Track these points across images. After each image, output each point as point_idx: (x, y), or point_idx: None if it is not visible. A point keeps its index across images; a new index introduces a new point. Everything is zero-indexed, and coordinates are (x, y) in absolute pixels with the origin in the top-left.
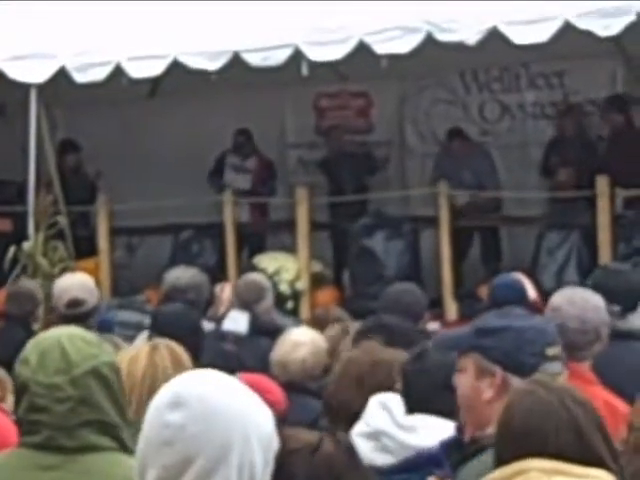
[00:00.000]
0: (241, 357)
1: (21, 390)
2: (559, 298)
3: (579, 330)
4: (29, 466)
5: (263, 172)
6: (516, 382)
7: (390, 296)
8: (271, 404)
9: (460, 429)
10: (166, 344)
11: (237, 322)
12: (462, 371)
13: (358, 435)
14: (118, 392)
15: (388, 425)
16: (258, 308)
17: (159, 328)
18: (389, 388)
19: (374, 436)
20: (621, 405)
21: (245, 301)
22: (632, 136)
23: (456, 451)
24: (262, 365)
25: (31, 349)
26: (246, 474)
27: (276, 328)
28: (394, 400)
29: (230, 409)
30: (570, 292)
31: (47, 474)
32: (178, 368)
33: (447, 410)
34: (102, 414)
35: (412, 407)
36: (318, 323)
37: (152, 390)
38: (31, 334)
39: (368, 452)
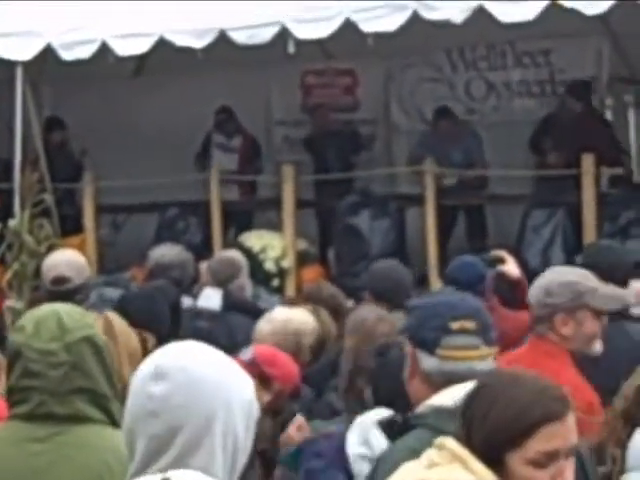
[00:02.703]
0: (213, 334)
1: (15, 357)
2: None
3: None
4: (19, 439)
5: (249, 151)
6: (425, 359)
7: (378, 273)
8: (279, 378)
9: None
10: (104, 316)
11: (210, 299)
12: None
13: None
14: (109, 365)
15: None
16: (232, 285)
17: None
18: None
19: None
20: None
21: (219, 279)
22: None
23: (391, 428)
24: (232, 342)
25: (27, 318)
26: (230, 441)
27: (249, 306)
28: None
29: (211, 378)
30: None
31: (36, 446)
32: (109, 338)
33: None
34: (94, 383)
35: (379, 402)
36: (311, 300)
37: None
38: None
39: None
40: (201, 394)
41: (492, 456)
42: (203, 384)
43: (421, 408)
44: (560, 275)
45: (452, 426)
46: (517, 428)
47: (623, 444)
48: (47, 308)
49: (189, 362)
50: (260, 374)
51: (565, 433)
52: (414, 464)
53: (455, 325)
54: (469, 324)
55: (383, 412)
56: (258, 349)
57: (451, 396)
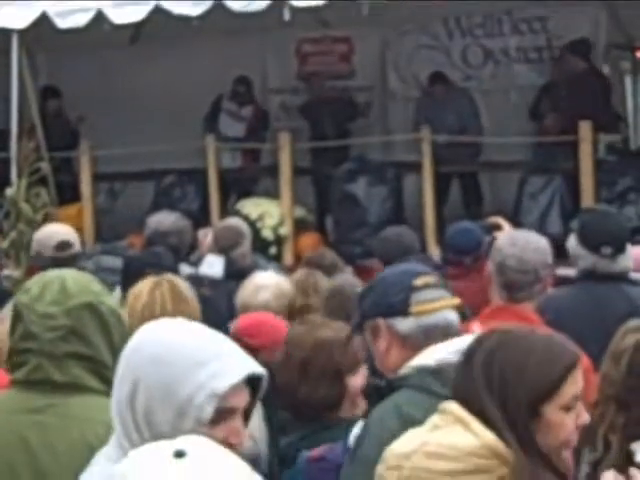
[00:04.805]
0: (215, 301)
1: (16, 318)
2: (502, 238)
3: (517, 270)
4: (15, 409)
5: (257, 121)
6: (401, 323)
7: (387, 240)
8: (265, 347)
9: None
10: (169, 279)
11: (213, 266)
12: (370, 343)
13: None
14: (115, 335)
15: None
16: (234, 253)
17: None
18: (335, 371)
19: None
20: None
21: (222, 246)
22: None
23: (374, 394)
24: (233, 309)
25: (34, 281)
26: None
27: (251, 274)
28: None
29: (147, 353)
30: (513, 233)
31: (32, 417)
32: (178, 302)
33: None
34: (93, 349)
35: None
36: (313, 267)
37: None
38: None
39: None
40: (127, 363)
41: (529, 409)
42: (134, 356)
43: (403, 370)
44: None
45: (436, 384)
46: (556, 375)
47: (617, 429)
48: (55, 273)
49: (156, 336)
50: (244, 348)
51: (580, 376)
52: (419, 429)
53: (419, 282)
54: (430, 279)
55: None
56: (241, 320)
57: (431, 356)
